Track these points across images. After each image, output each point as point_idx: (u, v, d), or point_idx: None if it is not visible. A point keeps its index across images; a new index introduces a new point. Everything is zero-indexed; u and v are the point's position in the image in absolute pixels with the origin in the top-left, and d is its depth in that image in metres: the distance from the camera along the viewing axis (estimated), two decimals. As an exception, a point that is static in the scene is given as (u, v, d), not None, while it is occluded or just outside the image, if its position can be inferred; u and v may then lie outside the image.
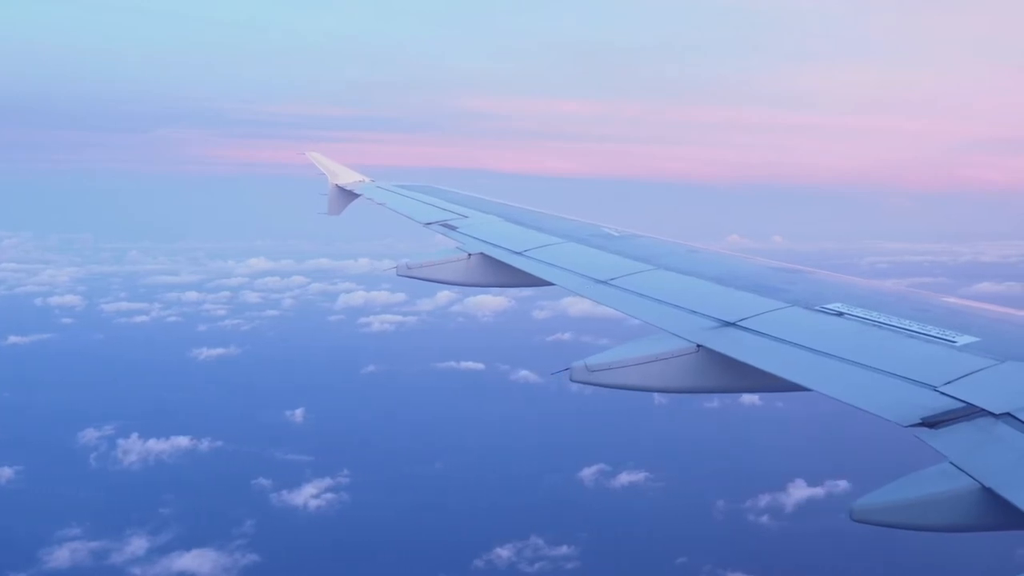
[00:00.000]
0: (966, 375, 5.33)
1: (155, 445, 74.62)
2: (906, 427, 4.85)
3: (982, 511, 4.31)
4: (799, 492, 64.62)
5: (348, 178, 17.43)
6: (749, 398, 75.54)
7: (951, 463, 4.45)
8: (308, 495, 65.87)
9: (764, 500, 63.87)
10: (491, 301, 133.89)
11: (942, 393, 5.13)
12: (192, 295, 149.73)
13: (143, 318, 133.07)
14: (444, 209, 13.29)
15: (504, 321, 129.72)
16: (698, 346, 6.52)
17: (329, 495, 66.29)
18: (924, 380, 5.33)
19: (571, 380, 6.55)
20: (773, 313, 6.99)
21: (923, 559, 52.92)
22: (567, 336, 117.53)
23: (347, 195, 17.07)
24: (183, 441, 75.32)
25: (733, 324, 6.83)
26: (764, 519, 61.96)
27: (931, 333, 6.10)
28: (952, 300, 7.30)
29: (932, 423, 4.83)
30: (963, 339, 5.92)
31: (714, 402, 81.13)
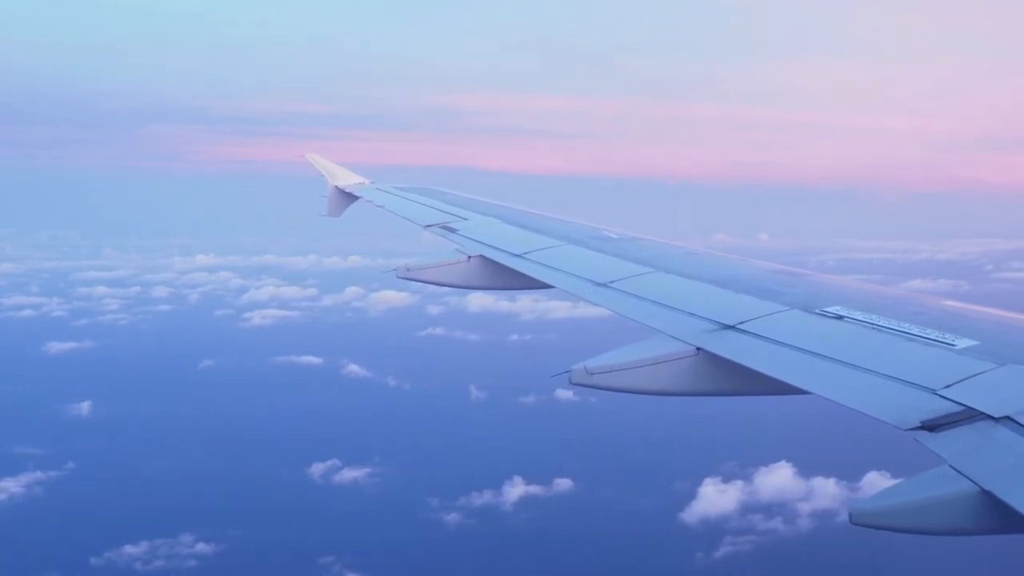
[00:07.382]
0: (966, 378, 5.33)
1: None
2: (906, 430, 4.85)
3: (982, 514, 4.31)
4: (516, 490, 63.42)
5: (348, 180, 17.43)
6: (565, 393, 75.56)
7: (950, 466, 4.45)
8: (-3, 490, 64.35)
9: (480, 499, 62.40)
10: (393, 297, 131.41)
11: (941, 396, 5.12)
12: (101, 290, 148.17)
13: (29, 312, 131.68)
14: (443, 211, 13.26)
15: (393, 317, 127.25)
16: (697, 349, 6.52)
17: (21, 490, 64.95)
18: (923, 383, 5.32)
19: (570, 383, 6.54)
20: (772, 316, 6.99)
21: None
22: (439, 331, 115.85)
23: (347, 197, 17.06)
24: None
25: (732, 327, 6.82)
26: (451, 517, 60.57)
27: (930, 336, 6.10)
28: (952, 303, 7.30)
29: (931, 426, 4.83)
30: (963, 342, 5.91)
31: (530, 397, 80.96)
